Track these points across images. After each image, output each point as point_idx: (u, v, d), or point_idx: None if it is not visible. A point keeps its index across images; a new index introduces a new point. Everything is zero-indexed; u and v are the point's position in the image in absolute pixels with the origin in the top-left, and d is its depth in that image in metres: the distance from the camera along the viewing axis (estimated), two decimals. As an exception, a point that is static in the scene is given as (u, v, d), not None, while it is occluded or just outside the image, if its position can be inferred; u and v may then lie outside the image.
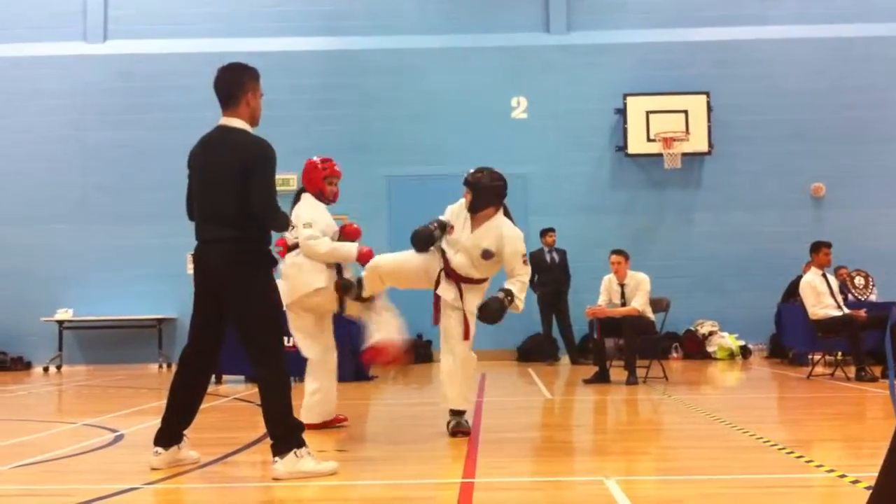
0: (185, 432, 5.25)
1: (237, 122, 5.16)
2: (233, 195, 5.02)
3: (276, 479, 4.82)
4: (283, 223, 5.32)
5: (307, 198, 6.78)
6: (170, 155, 15.59)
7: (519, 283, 6.28)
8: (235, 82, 5.12)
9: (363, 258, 6.54)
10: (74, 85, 15.66)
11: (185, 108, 15.67)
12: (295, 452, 4.86)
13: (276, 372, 4.99)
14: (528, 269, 6.40)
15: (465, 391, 6.37)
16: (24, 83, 15.68)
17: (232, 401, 9.28)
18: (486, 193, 6.28)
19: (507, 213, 6.43)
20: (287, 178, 15.53)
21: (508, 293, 6.22)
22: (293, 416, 4.99)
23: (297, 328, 6.76)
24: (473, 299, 6.33)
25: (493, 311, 6.20)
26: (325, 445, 6.11)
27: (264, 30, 15.83)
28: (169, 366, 15.07)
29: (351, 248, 6.59)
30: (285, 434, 4.89)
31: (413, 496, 4.55)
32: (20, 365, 15.20)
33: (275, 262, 5.26)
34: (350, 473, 5.32)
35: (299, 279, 6.59)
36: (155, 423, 7.57)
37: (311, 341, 6.71)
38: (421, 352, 14.52)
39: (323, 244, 6.53)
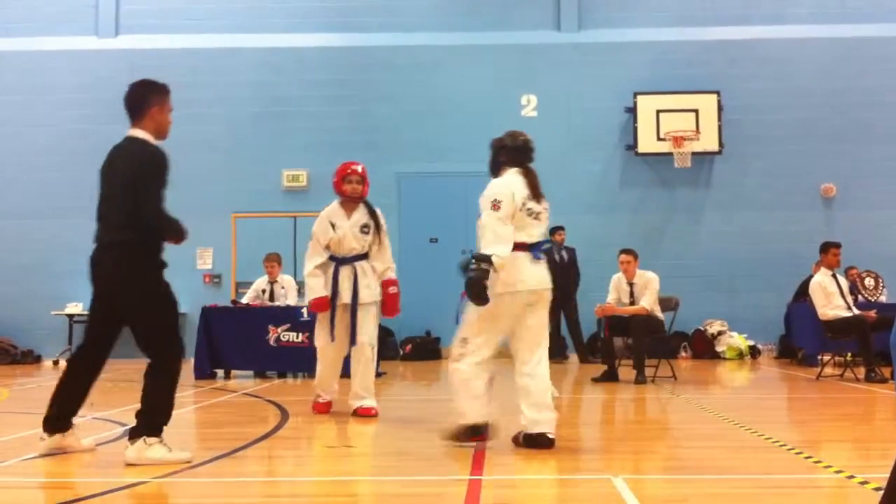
0: (73, 420, 5.48)
1: (140, 134, 5.46)
2: (126, 201, 5.27)
3: (128, 465, 5.05)
4: (176, 230, 5.44)
5: (330, 205, 7.42)
6: (181, 150, 15.63)
7: (479, 232, 5.50)
8: (141, 97, 5.47)
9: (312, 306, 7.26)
10: (87, 80, 15.70)
11: (197, 103, 15.69)
12: (144, 440, 5.12)
13: (163, 368, 5.31)
14: (493, 215, 5.44)
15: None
16: (37, 78, 15.73)
17: (241, 396, 9.30)
18: (493, 151, 5.88)
19: (526, 173, 5.70)
20: (297, 175, 15.61)
21: (473, 259, 5.38)
22: (164, 412, 5.24)
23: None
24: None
25: (469, 287, 5.36)
26: (334, 441, 6.13)
27: (276, 25, 15.84)
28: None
29: (311, 292, 7.28)
30: (146, 423, 5.17)
31: (421, 493, 4.55)
32: (30, 358, 15.26)
33: (165, 265, 5.46)
34: (358, 469, 5.33)
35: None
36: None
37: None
38: (429, 348, 14.56)
39: (306, 267, 7.35)
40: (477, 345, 5.58)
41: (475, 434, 5.63)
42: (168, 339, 5.37)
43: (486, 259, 5.33)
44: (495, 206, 5.46)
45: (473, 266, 5.34)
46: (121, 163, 5.41)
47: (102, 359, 5.62)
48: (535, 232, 5.66)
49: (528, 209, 5.60)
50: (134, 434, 5.17)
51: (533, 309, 5.63)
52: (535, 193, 5.67)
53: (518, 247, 5.51)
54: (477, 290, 5.31)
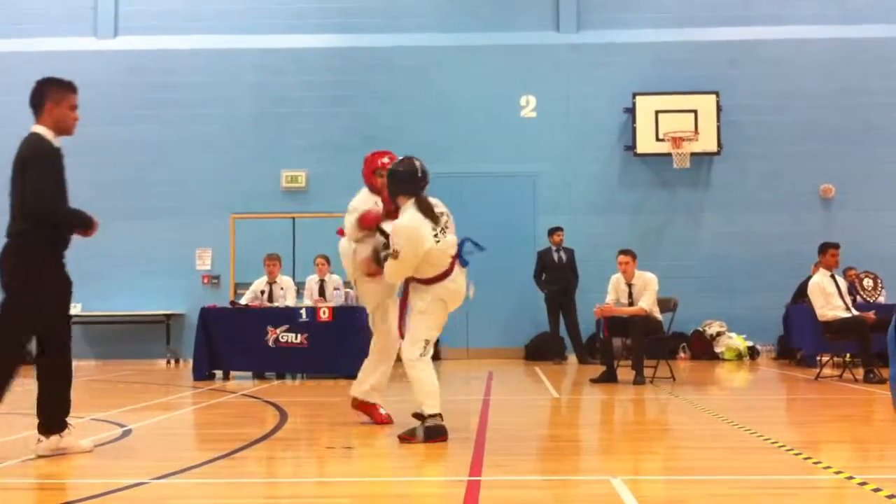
0: (69, 421, 5.61)
1: (38, 129, 5.61)
2: (17, 193, 5.42)
3: (39, 457, 5.26)
4: (79, 222, 5.59)
5: (361, 191, 6.96)
6: (181, 151, 15.72)
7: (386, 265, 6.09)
8: (38, 93, 5.68)
9: (363, 221, 6.61)
10: (85, 80, 15.39)
11: (196, 105, 15.73)
12: (60, 435, 5.40)
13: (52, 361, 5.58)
14: (395, 263, 5.97)
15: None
16: (35, 78, 15.68)
17: (240, 397, 9.30)
18: (391, 180, 6.18)
19: (421, 205, 6.02)
20: (296, 175, 15.61)
21: (386, 254, 6.11)
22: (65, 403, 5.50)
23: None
24: (414, 299, 6.09)
25: (377, 254, 6.37)
26: (334, 441, 6.13)
27: (275, 26, 15.84)
28: (177, 361, 15.11)
29: (351, 218, 6.69)
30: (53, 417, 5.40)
31: (420, 493, 4.55)
32: (28, 359, 15.22)
33: (56, 258, 5.56)
34: (357, 470, 5.33)
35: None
36: (162, 418, 7.61)
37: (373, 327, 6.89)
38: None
39: (348, 220, 6.73)
40: (431, 345, 6.12)
41: (440, 434, 5.88)
42: (12, 332, 5.48)
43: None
44: (395, 255, 5.94)
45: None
46: (16, 156, 5.54)
47: (57, 356, 5.69)
48: (452, 244, 6.07)
49: (436, 239, 5.96)
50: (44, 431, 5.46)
51: None
52: (433, 217, 6.00)
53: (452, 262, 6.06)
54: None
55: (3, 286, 5.45)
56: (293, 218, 15.15)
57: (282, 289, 12.10)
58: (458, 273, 6.12)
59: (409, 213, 6.00)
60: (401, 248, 5.90)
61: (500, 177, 15.04)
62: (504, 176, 15.16)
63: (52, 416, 5.50)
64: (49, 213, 5.42)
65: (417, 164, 6.13)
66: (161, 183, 15.39)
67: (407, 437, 5.89)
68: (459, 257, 6.13)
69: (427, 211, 6.00)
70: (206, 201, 15.45)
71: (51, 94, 5.66)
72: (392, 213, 6.41)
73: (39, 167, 5.44)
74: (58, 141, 5.70)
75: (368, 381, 6.84)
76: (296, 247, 14.73)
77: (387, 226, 6.27)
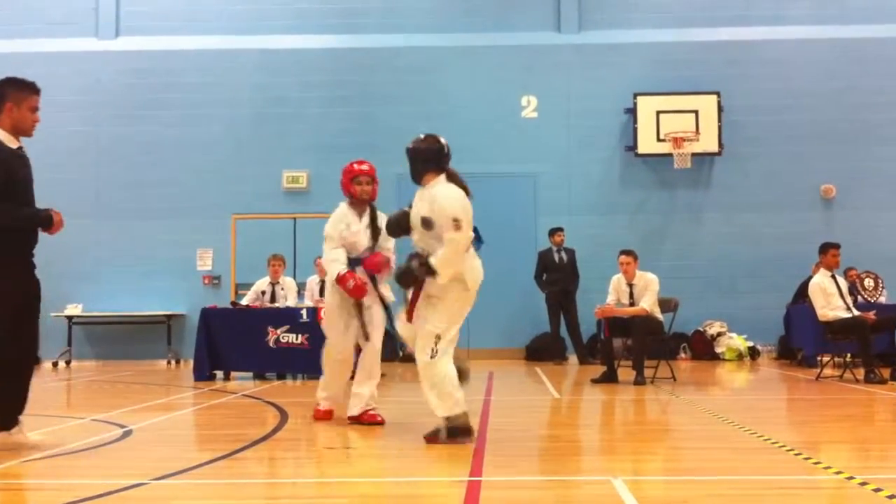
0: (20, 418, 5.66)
1: None
2: None
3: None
4: (21, 223, 5.57)
5: (339, 207, 6.98)
6: (182, 151, 15.73)
7: (442, 251, 5.62)
8: None
9: (347, 290, 6.66)
10: (87, 81, 15.71)
11: (197, 105, 15.74)
12: (9, 431, 5.50)
13: None
14: (461, 235, 5.63)
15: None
16: (37, 79, 15.66)
17: (240, 397, 9.30)
18: (414, 158, 5.91)
19: (453, 179, 5.88)
20: (297, 176, 15.62)
21: (422, 260, 5.68)
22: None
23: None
24: (430, 285, 5.78)
25: (398, 276, 5.85)
26: (333, 442, 6.13)
27: (276, 27, 15.86)
28: (178, 362, 15.12)
29: (334, 272, 6.74)
30: None
31: (420, 493, 4.55)
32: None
33: (20, 257, 5.56)
34: (357, 470, 5.32)
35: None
36: (163, 418, 7.61)
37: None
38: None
39: (330, 255, 6.83)
40: (448, 341, 5.77)
41: (464, 433, 5.75)
42: None
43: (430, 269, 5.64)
44: (457, 226, 5.62)
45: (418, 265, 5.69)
46: None
47: (17, 352, 5.58)
48: None
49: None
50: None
51: None
52: (466, 189, 5.86)
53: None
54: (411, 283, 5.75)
55: None
56: (294, 218, 15.15)
57: (283, 289, 12.11)
58: (474, 252, 5.87)
59: (449, 186, 5.77)
60: (461, 216, 5.61)
61: (501, 177, 15.04)
62: (505, 176, 15.16)
63: (2, 411, 5.53)
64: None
65: (441, 139, 5.94)
66: (162, 183, 15.41)
67: (431, 438, 5.79)
68: (474, 240, 5.87)
69: (460, 183, 5.84)
70: (208, 202, 15.46)
71: (12, 94, 5.58)
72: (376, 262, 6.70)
73: None
74: (16, 142, 5.64)
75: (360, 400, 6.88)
76: (297, 247, 14.74)
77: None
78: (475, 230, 5.95)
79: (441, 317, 5.73)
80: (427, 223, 5.71)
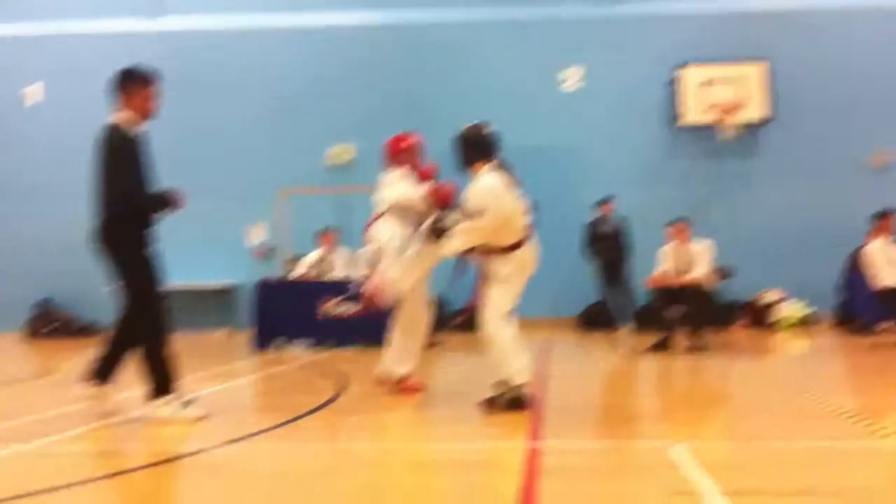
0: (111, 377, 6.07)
1: (116, 118, 5.90)
2: (99, 182, 5.92)
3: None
4: (150, 205, 5.98)
5: (391, 175, 6.93)
6: (224, 130, 15.88)
7: (460, 229, 5.86)
8: (117, 83, 5.96)
9: (437, 196, 6.53)
10: (130, 62, 15.82)
11: (237, 84, 15.90)
12: (155, 401, 5.70)
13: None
14: (480, 223, 5.79)
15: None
16: (77, 60, 15.91)
17: (297, 366, 9.43)
18: (463, 146, 6.07)
19: (501, 168, 5.99)
20: (340, 151, 15.70)
21: (448, 224, 5.96)
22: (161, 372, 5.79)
23: None
24: (496, 268, 5.97)
25: (436, 227, 6.09)
26: (392, 408, 6.21)
27: (314, 5, 15.87)
28: (234, 332, 15.34)
29: (416, 194, 6.69)
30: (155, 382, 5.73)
31: (480, 459, 4.60)
32: (90, 331, 15.59)
33: (143, 241, 5.97)
34: (416, 436, 5.40)
35: None
36: (223, 387, 7.76)
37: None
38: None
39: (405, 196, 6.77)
40: (510, 313, 5.99)
41: (522, 403, 5.82)
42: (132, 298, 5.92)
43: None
44: (480, 215, 5.79)
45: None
46: (97, 149, 5.88)
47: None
48: (526, 210, 6.05)
49: (518, 201, 5.95)
50: (148, 396, 5.75)
51: None
52: (512, 181, 5.98)
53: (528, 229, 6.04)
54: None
55: (109, 267, 5.92)
56: (339, 193, 15.24)
57: (335, 260, 12.24)
58: (534, 239, 6.07)
59: (491, 176, 5.91)
60: (487, 206, 5.75)
61: (544, 150, 14.94)
62: (548, 150, 15.06)
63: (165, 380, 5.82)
64: (128, 202, 5.76)
65: (490, 128, 6.06)
66: (209, 160, 15.56)
67: (489, 405, 5.86)
68: (533, 222, 6.05)
69: (508, 174, 5.95)
70: (256, 177, 15.60)
71: (130, 83, 5.92)
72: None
73: (115, 158, 5.74)
74: (138, 128, 5.94)
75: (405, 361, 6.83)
76: (344, 221, 14.84)
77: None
78: (535, 204, 6.12)
79: (508, 297, 5.95)
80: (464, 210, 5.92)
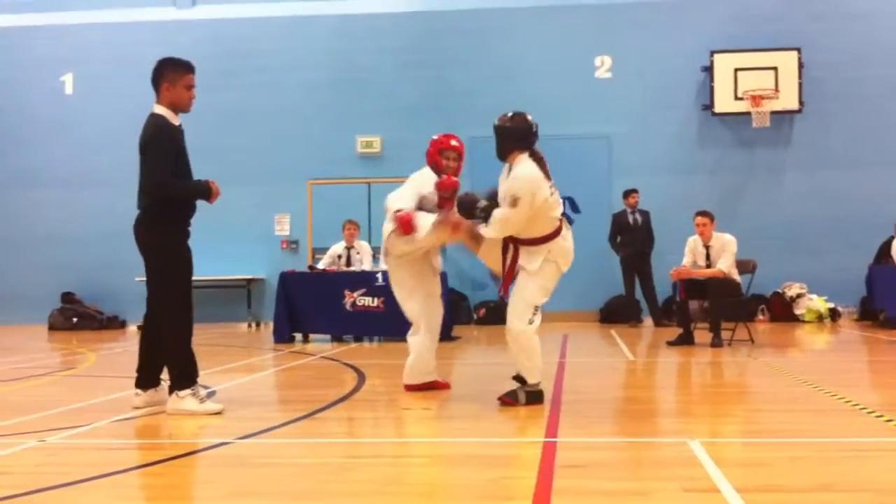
0: (161, 377, 6.07)
1: (157, 109, 6.00)
2: (140, 171, 5.90)
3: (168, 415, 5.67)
4: (185, 194, 6.02)
5: (420, 172, 6.74)
6: (259, 118, 15.94)
7: (493, 219, 5.80)
8: (157, 74, 6.04)
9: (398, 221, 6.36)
10: (166, 51, 15.85)
11: (273, 71, 15.93)
12: (176, 393, 5.72)
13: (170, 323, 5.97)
14: (514, 212, 5.71)
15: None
16: (118, 49, 16.05)
17: (318, 359, 9.47)
18: (502, 136, 5.97)
19: (536, 158, 5.92)
20: (370, 141, 15.72)
21: (488, 212, 5.85)
22: (185, 364, 5.83)
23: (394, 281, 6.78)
24: (526, 260, 5.92)
25: (463, 204, 5.98)
26: (411, 403, 6.22)
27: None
28: (258, 325, 15.43)
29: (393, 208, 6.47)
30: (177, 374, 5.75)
31: (498, 453, 4.61)
32: (115, 323, 15.73)
33: (179, 231, 6.07)
34: (435, 430, 5.41)
35: None
36: (245, 380, 7.81)
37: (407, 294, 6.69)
38: (503, 313, 14.58)
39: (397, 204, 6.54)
40: (539, 312, 5.97)
41: (540, 399, 5.94)
42: (164, 295, 6.01)
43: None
44: (513, 203, 5.72)
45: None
46: (140, 138, 5.91)
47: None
48: (559, 201, 5.96)
49: (551, 192, 5.86)
50: (169, 388, 5.79)
51: None
52: (546, 172, 5.90)
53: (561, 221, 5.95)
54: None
55: (143, 257, 5.94)
56: (368, 183, 15.27)
57: (358, 253, 12.26)
58: (567, 231, 6.00)
59: (527, 164, 5.85)
60: (521, 196, 5.69)
61: (575, 139, 14.92)
62: (579, 138, 15.04)
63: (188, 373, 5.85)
64: (161, 192, 5.80)
65: (529, 118, 6.02)
66: (239, 150, 15.65)
67: (509, 401, 5.90)
68: (565, 215, 6.01)
69: (542, 165, 5.91)
70: (284, 168, 15.67)
71: (167, 74, 5.96)
72: (444, 201, 6.36)
73: (155, 148, 5.79)
74: (178, 119, 6.01)
75: (428, 364, 6.74)
76: (371, 211, 14.87)
77: (423, 218, 6.25)
78: (572, 201, 6.09)
79: (538, 290, 5.91)
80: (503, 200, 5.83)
